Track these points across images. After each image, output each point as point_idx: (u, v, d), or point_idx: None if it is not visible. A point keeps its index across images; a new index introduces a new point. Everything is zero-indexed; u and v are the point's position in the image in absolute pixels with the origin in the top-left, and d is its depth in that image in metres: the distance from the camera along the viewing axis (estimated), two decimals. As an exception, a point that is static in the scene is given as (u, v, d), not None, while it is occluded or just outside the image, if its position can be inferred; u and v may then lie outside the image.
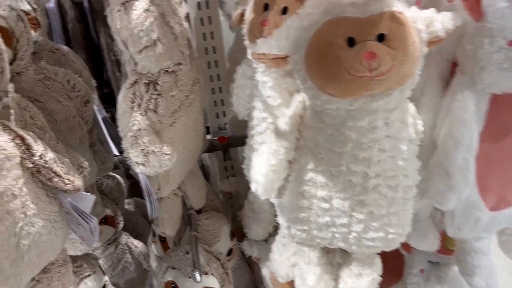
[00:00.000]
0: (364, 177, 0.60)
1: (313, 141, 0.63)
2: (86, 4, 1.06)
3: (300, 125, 0.64)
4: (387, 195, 0.61)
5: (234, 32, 0.98)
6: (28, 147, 0.61)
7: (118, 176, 1.23)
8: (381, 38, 0.52)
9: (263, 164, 0.64)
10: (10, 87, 0.70)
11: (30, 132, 0.64)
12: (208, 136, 1.18)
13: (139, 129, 0.71)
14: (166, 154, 0.73)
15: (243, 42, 0.93)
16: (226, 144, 1.22)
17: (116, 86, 1.16)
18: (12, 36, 0.73)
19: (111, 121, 1.03)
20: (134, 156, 0.73)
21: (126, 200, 1.33)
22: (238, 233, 1.04)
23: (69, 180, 0.62)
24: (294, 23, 0.58)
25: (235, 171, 1.34)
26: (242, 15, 0.72)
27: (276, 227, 0.87)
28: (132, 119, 0.71)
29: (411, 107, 0.63)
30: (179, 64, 0.75)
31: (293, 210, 0.66)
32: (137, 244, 1.20)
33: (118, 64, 1.12)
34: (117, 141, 1.01)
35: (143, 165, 0.73)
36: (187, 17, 1.19)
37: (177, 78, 0.75)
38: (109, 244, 1.13)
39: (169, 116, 0.76)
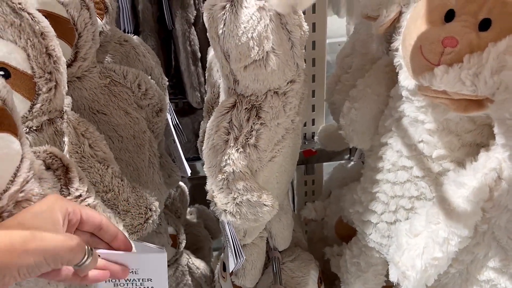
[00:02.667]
0: None
1: (507, 230, 0.40)
2: (163, -18, 0.86)
3: (487, 202, 0.42)
4: None
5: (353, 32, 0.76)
6: (68, 182, 0.44)
7: (182, 185, 1.06)
8: None
9: (419, 254, 0.43)
10: (67, 103, 0.52)
11: (78, 166, 0.46)
12: (291, 147, 0.98)
13: (233, 172, 0.52)
14: (265, 205, 0.54)
15: (366, 46, 0.71)
16: (311, 159, 1.02)
17: (189, 82, 0.97)
18: (74, 30, 0.55)
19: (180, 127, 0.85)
20: (222, 204, 0.54)
21: (189, 209, 1.16)
22: (326, 277, 0.85)
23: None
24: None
25: (316, 187, 1.14)
26: (395, 20, 0.50)
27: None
28: (225, 157, 0.52)
29: None
30: (292, 82, 0.54)
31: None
32: (198, 265, 1.04)
33: (194, 55, 0.92)
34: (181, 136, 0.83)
35: (234, 216, 0.54)
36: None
37: (286, 101, 0.54)
38: (168, 266, 0.97)
39: (270, 150, 0.56)
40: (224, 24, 0.46)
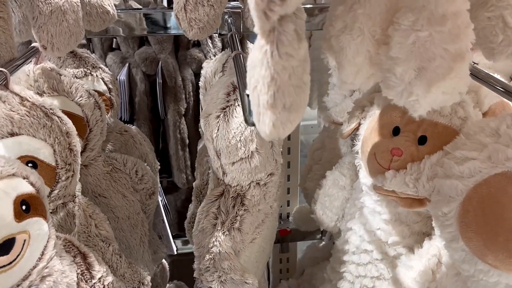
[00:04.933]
0: None
1: (448, 307, 0.49)
2: (159, 79, 0.98)
3: (431, 282, 0.51)
4: None
5: (319, 125, 0.88)
6: (88, 267, 0.51)
7: (163, 261, 1.11)
8: None
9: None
10: (78, 188, 0.60)
11: (92, 252, 0.53)
12: (268, 226, 1.06)
13: (219, 252, 0.59)
14: (246, 283, 0.61)
15: (333, 144, 0.83)
16: (286, 237, 1.10)
17: (177, 165, 1.06)
18: (86, 126, 0.64)
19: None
20: (208, 281, 0.61)
21: (168, 285, 1.20)
22: None
23: None
24: (442, 164, 0.47)
25: (290, 265, 1.20)
26: (356, 129, 0.61)
27: None
28: (213, 239, 0.59)
29: None
30: (272, 174, 0.64)
31: None
32: None
33: (183, 142, 1.03)
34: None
35: (218, 292, 0.61)
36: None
37: (267, 190, 0.64)
38: None
39: (251, 233, 0.65)
40: (217, 129, 0.56)
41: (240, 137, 0.56)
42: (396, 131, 0.54)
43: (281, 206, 1.08)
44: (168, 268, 1.13)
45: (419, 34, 0.39)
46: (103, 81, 0.74)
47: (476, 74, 0.45)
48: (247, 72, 0.34)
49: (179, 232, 1.08)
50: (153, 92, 1.01)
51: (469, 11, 0.51)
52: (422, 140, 0.51)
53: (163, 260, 1.12)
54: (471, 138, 0.46)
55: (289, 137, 0.99)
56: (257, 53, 0.32)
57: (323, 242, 1.07)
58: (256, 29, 0.31)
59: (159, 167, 0.88)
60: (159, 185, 0.86)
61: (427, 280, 0.50)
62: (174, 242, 1.11)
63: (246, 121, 0.52)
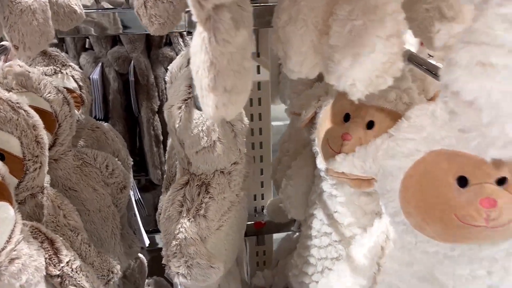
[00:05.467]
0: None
1: (396, 277, 0.53)
2: (131, 77, 1.00)
3: (381, 258, 0.54)
4: None
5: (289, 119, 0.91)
6: (56, 252, 0.53)
7: (141, 256, 1.13)
8: (502, 181, 0.43)
9: (332, 302, 0.54)
10: (47, 180, 0.62)
11: (60, 238, 0.56)
12: (243, 220, 1.09)
13: (185, 238, 0.62)
14: (212, 267, 0.64)
15: (298, 135, 0.86)
16: (261, 230, 1.13)
17: (152, 161, 1.08)
18: (55, 121, 0.66)
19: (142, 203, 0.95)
20: (175, 267, 0.64)
21: (147, 281, 1.22)
22: None
23: None
24: (386, 146, 0.50)
25: (267, 257, 1.23)
26: (313, 118, 0.65)
27: None
28: (179, 226, 0.62)
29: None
30: (236, 163, 0.67)
31: None
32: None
33: (157, 138, 1.05)
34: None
35: (185, 277, 0.64)
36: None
37: (231, 178, 0.67)
38: (124, 336, 1.01)
39: (218, 220, 0.67)
40: (180, 120, 0.59)
41: (202, 127, 0.59)
42: (347, 118, 0.57)
43: (255, 200, 1.11)
44: (146, 264, 1.15)
45: (354, 23, 0.43)
46: (73, 79, 0.76)
47: (414, 60, 0.48)
48: (190, 58, 0.37)
49: (156, 228, 1.10)
50: (127, 91, 1.03)
51: (409, 4, 0.55)
52: (370, 125, 0.55)
53: (141, 256, 1.14)
54: (411, 121, 0.49)
55: (260, 131, 1.02)
56: (197, 39, 0.35)
57: (297, 233, 1.10)
58: (194, 18, 0.34)
59: (132, 162, 0.90)
60: (133, 180, 0.89)
61: (376, 255, 0.53)
62: (154, 237, 1.13)
63: (197, 107, 0.55)
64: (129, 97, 1.03)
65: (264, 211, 1.13)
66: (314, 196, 0.69)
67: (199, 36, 0.34)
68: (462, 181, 0.44)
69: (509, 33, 0.30)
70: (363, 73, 0.43)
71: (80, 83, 0.77)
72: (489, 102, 0.32)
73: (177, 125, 0.59)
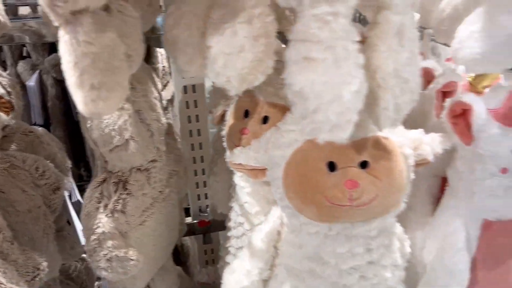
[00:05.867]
0: (345, 307, 0.54)
1: (291, 259, 0.57)
2: (68, 83, 1.03)
3: (277, 242, 0.58)
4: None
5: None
6: None
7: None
8: (364, 165, 0.48)
9: (234, 286, 0.58)
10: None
11: None
12: (189, 219, 1.13)
13: (103, 232, 0.65)
14: (131, 259, 0.67)
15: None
16: (206, 228, 1.16)
17: (95, 165, 1.11)
18: (-22, 125, 0.69)
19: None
20: (96, 261, 0.67)
21: (97, 283, 1.23)
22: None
23: None
24: (273, 137, 0.55)
25: (215, 255, 1.26)
26: (222, 116, 0.69)
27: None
28: (97, 221, 0.65)
29: (398, 228, 0.58)
30: (154, 161, 0.70)
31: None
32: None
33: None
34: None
35: (106, 270, 0.67)
36: (171, 100, 1.17)
37: (150, 176, 0.70)
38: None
39: (139, 215, 0.71)
40: (91, 120, 0.63)
41: (113, 126, 0.63)
42: (246, 114, 0.62)
43: (199, 199, 1.15)
44: (94, 266, 1.17)
45: (225, 26, 0.47)
46: (1, 85, 0.78)
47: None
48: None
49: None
50: (66, 96, 1.06)
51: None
52: (265, 120, 0.60)
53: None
54: (293, 114, 0.54)
55: (199, 133, 1.06)
56: (61, 42, 0.39)
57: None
58: (54, 22, 0.37)
59: (69, 166, 0.93)
60: (72, 182, 0.92)
61: (272, 239, 0.58)
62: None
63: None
64: (68, 102, 1.06)
65: (208, 209, 1.16)
66: (231, 189, 0.73)
67: (62, 39, 0.38)
68: (331, 166, 0.48)
69: (323, 31, 0.35)
70: (235, 71, 0.47)
71: (9, 89, 0.79)
72: (313, 92, 0.36)
73: (88, 125, 0.63)
